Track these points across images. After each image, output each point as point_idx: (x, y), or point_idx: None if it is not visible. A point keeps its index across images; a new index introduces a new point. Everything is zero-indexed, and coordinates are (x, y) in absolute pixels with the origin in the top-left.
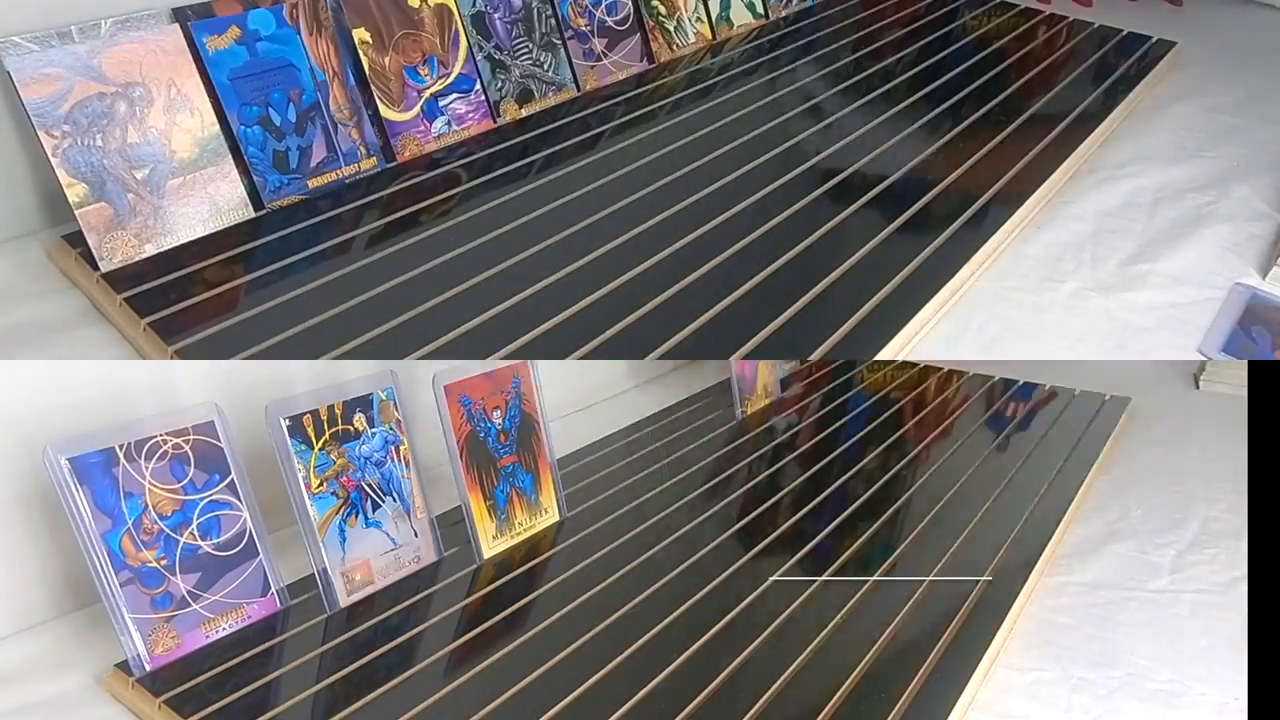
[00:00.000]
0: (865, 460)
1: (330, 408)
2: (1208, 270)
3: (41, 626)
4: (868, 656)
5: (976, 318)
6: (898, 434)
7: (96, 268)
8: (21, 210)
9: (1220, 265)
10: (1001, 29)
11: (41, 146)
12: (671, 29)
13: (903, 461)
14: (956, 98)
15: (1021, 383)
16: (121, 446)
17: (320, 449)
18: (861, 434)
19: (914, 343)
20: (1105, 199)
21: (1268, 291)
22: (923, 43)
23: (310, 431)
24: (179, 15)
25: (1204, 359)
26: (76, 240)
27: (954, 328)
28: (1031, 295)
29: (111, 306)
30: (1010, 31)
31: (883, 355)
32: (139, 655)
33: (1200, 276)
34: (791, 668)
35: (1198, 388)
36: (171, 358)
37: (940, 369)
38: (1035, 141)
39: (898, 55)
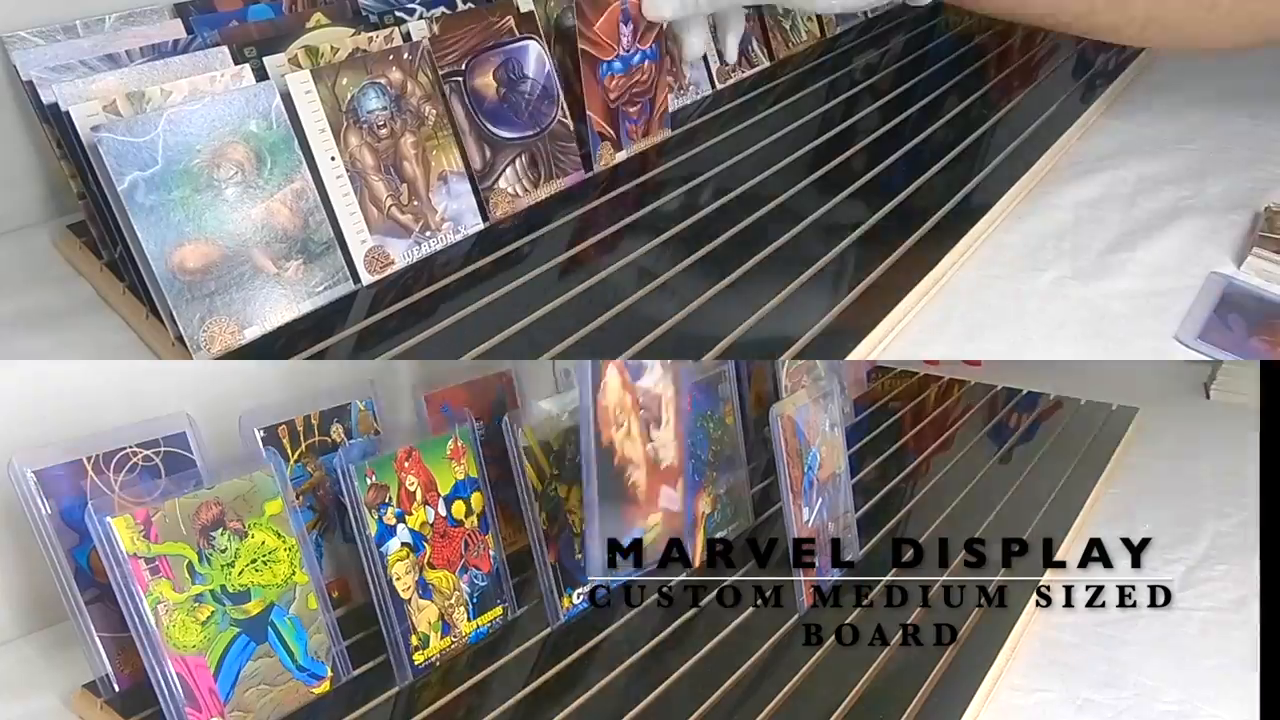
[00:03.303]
0: (862, 473)
1: (306, 418)
2: (1185, 259)
3: (6, 645)
4: (865, 676)
5: (959, 306)
6: (896, 445)
7: (100, 256)
8: (27, 201)
9: (1197, 254)
10: (982, 25)
11: (45, 138)
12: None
13: (901, 473)
14: (938, 92)
15: (1025, 392)
16: (90, 459)
17: (296, 461)
18: (858, 445)
19: (899, 329)
20: (1085, 190)
21: (1243, 280)
22: (905, 38)
23: (286, 442)
24: (181, 10)
25: (1205, 359)
26: (81, 230)
27: (937, 315)
28: (1013, 283)
29: (115, 294)
30: (990, 27)
31: (867, 343)
32: (108, 675)
33: (1177, 265)
34: (783, 691)
35: (1208, 397)
36: (174, 345)
37: (940, 378)
38: (1016, 134)
39: (881, 50)
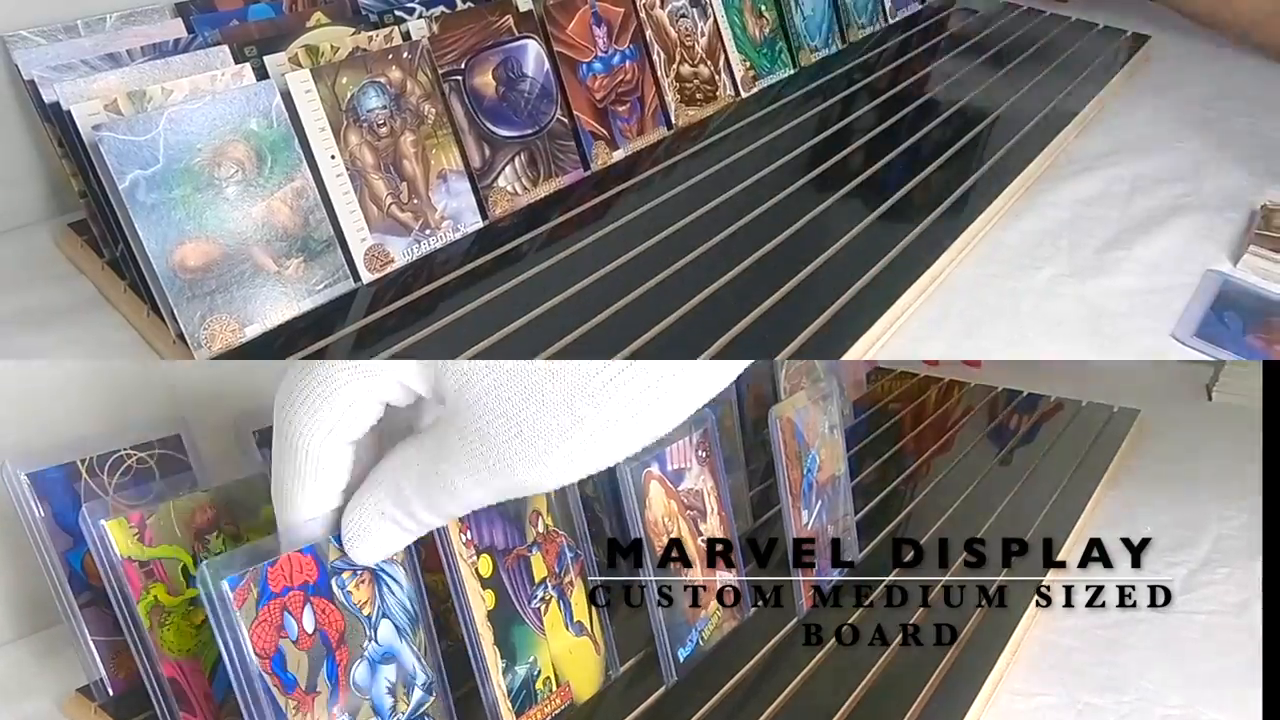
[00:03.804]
0: (863, 475)
1: None
2: (1181, 257)
3: None
4: (863, 682)
5: (956, 304)
6: (896, 447)
7: (101, 255)
8: (28, 199)
9: (1194, 252)
10: (980, 24)
11: (46, 136)
12: None
13: (900, 476)
14: (934, 90)
15: (1026, 394)
16: (84, 461)
17: None
18: (858, 447)
19: (896, 327)
20: (1082, 188)
21: (1239, 278)
22: (901, 37)
23: None
24: (181, 10)
25: (1208, 360)
26: (82, 228)
27: (935, 313)
28: (1010, 281)
29: (115, 293)
30: (986, 26)
31: (864, 340)
32: (101, 679)
33: (1174, 263)
34: (782, 694)
35: (1210, 399)
36: (174, 343)
37: (940, 379)
38: (1014, 132)
39: (877, 50)
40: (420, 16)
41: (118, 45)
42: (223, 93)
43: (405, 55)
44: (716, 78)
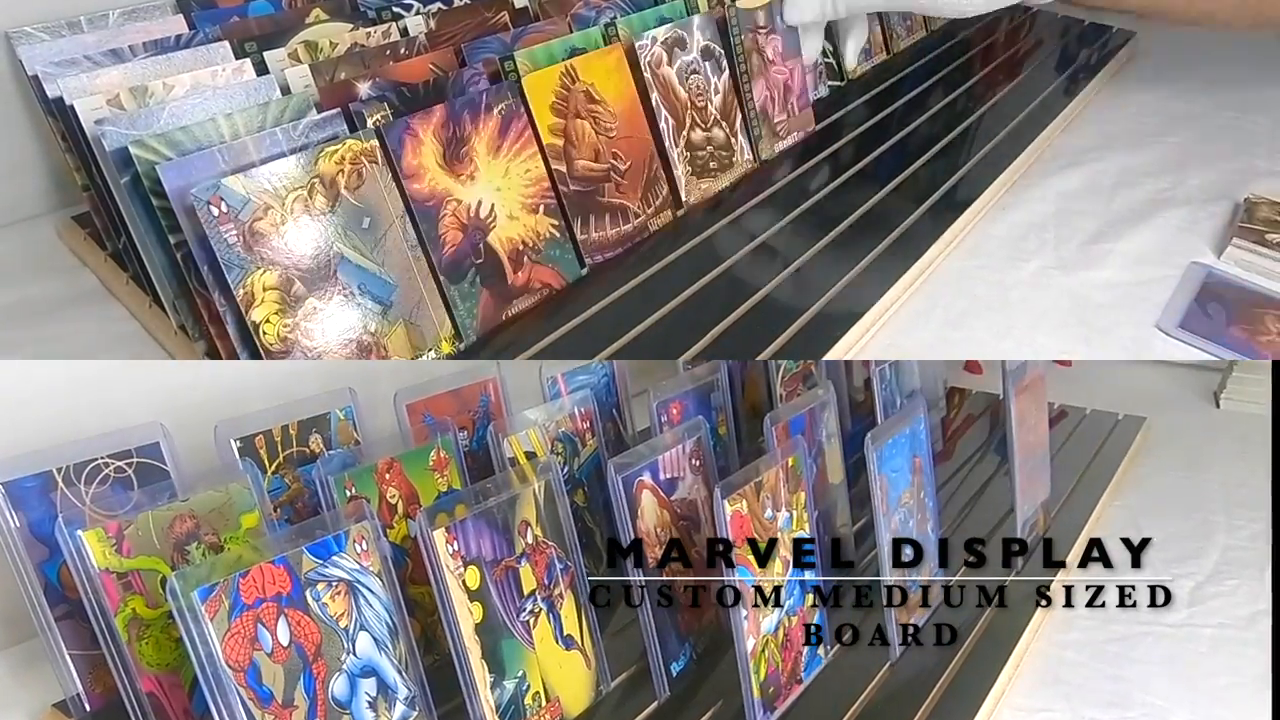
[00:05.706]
0: (862, 481)
1: (284, 428)
2: (1166, 250)
3: None
4: (862, 696)
5: (944, 295)
6: None
7: (105, 247)
8: (32, 193)
9: (1177, 245)
10: (968, 19)
11: (50, 131)
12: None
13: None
14: (924, 86)
15: None
16: (60, 470)
17: (273, 472)
18: (858, 455)
19: (885, 319)
20: (1068, 183)
21: (1223, 270)
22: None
23: (263, 453)
24: (183, 6)
25: (1220, 367)
26: (85, 221)
27: (923, 305)
28: (997, 273)
29: (118, 285)
30: (975, 22)
31: (854, 331)
32: (78, 694)
33: (1158, 256)
34: (776, 713)
35: (1218, 406)
36: (176, 334)
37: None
38: (1000, 127)
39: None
40: (418, 13)
41: (120, 41)
42: (223, 88)
43: (403, 51)
44: None
